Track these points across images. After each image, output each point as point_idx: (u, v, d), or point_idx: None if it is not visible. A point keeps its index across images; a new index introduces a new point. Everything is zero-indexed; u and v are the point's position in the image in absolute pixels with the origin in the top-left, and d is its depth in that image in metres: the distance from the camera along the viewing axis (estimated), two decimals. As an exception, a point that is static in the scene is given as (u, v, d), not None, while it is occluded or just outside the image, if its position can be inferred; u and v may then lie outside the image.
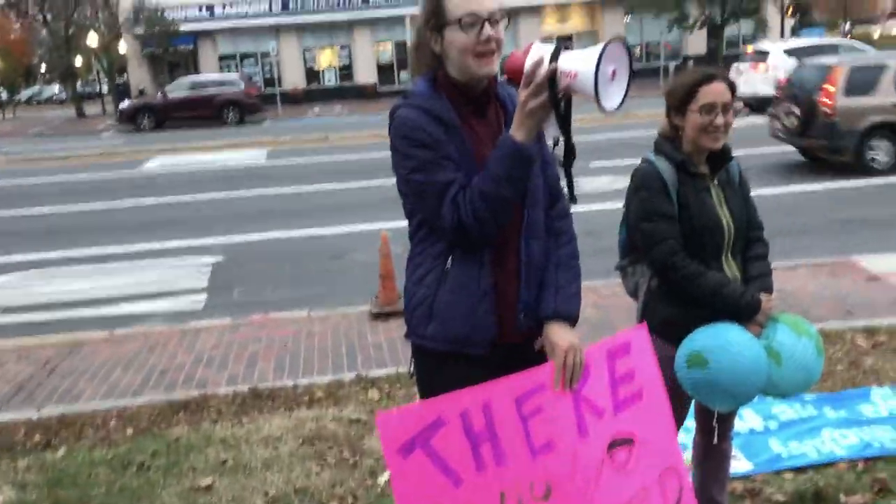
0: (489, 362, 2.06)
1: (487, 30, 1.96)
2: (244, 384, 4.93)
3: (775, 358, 2.36)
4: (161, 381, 5.16)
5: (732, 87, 2.47)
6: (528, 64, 1.84)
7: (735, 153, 2.61)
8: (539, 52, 1.84)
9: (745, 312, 2.43)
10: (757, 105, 19.48)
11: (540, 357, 2.12)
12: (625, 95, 1.83)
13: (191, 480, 3.69)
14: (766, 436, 3.70)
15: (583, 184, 10.90)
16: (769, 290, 2.52)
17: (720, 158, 2.53)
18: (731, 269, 2.54)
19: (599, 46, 1.76)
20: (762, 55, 19.42)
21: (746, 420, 3.85)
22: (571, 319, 2.13)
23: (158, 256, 8.92)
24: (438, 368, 2.11)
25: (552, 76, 1.81)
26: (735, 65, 20.73)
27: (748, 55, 20.47)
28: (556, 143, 1.97)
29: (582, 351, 2.09)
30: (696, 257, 2.46)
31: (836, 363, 4.59)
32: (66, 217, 12.03)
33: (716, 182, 2.54)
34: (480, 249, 2.03)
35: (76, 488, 3.70)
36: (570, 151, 1.95)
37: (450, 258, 2.04)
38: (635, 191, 2.51)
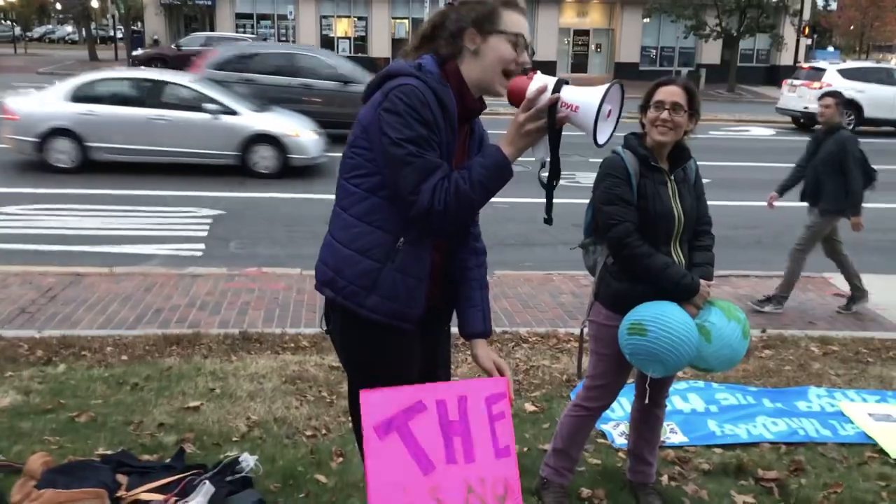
0: (413, 335, 2.25)
1: (525, 55, 2.11)
2: (234, 328, 5.24)
3: (706, 335, 2.71)
4: (156, 318, 5.46)
5: (691, 93, 2.80)
6: (532, 89, 1.98)
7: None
8: (543, 81, 2.01)
9: (685, 293, 2.76)
10: (806, 122, 19.79)
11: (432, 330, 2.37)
12: (613, 132, 2.05)
13: (180, 402, 4.03)
14: (705, 416, 4.05)
15: (579, 178, 11.22)
16: (709, 277, 2.86)
17: (679, 157, 2.88)
18: (678, 254, 2.87)
19: (603, 87, 1.96)
20: (818, 72, 19.73)
21: (691, 402, 4.20)
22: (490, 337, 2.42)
23: (162, 204, 9.21)
24: (371, 336, 2.21)
25: (553, 104, 1.96)
26: (789, 80, 20.97)
27: (803, 70, 20.71)
28: (542, 166, 2.11)
29: None
30: (648, 241, 2.78)
31: (786, 364, 4.93)
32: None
33: (672, 178, 2.87)
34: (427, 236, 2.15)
35: (76, 398, 4.02)
36: (555, 174, 2.11)
37: (401, 238, 2.12)
38: (602, 178, 2.85)
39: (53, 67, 32.27)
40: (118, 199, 9.32)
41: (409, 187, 2.03)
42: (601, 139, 1.99)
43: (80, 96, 11.03)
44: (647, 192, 2.78)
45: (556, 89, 1.98)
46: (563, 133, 2.06)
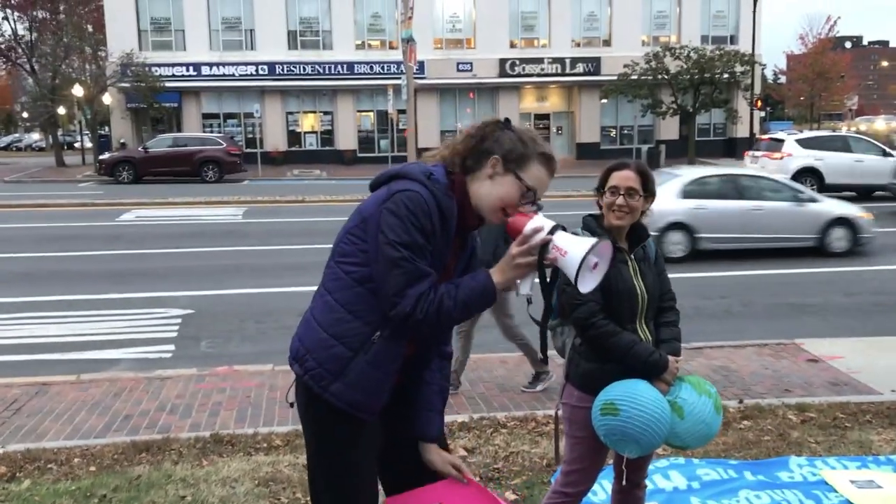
0: (373, 425, 2.29)
1: (529, 209, 2.20)
2: (206, 431, 5.12)
3: (678, 412, 2.70)
4: (125, 424, 5.32)
5: (644, 176, 2.86)
6: (529, 227, 2.09)
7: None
8: (540, 223, 2.11)
9: (654, 370, 2.77)
10: None
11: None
12: (597, 285, 2.16)
13: (150, 513, 3.89)
14: (688, 494, 3.99)
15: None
16: (677, 353, 2.87)
17: (637, 237, 2.93)
18: (644, 332, 2.88)
19: (593, 240, 2.08)
20: (777, 143, 20.40)
21: (673, 480, 4.15)
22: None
23: (129, 307, 9.10)
24: (330, 421, 2.24)
25: (544, 245, 2.07)
26: (750, 152, 21.63)
27: (763, 142, 21.37)
28: (529, 302, 2.25)
29: None
30: (613, 320, 2.80)
31: (765, 434, 4.90)
32: (40, 262, 12.18)
33: (633, 257, 2.91)
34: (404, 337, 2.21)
35: (39, 516, 3.87)
36: (548, 313, 2.21)
37: (378, 332, 2.17)
38: (563, 260, 2.88)
39: (20, 175, 32.36)
40: (84, 305, 9.21)
41: (394, 289, 2.08)
42: (583, 288, 2.11)
43: (689, 193, 12.21)
44: (608, 272, 2.78)
45: (551, 232, 2.08)
46: (556, 278, 2.19)
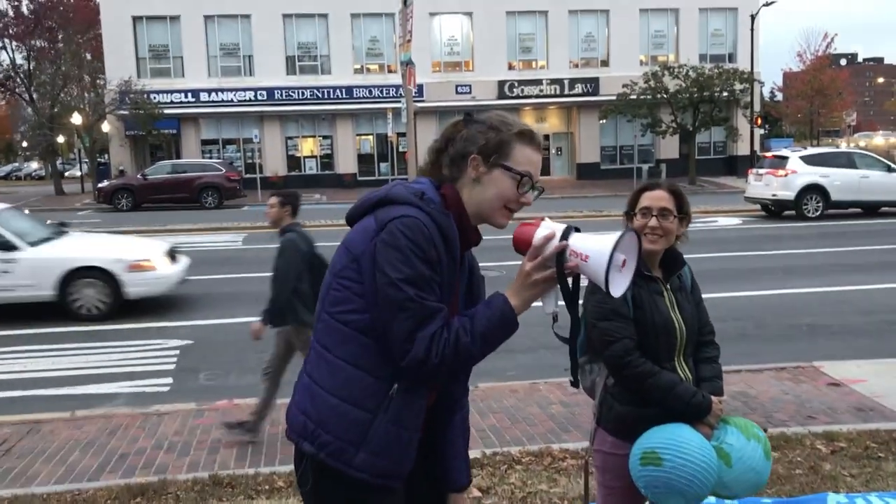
0: (400, 492, 2.01)
1: (530, 195, 1.96)
2: (205, 471, 4.87)
3: (725, 459, 2.44)
4: (120, 465, 5.08)
5: (678, 196, 2.63)
6: (539, 237, 1.84)
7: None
8: (550, 228, 1.85)
9: (697, 413, 2.51)
10: (776, 209, 20.14)
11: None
12: (630, 284, 1.88)
13: (143, 568, 3.62)
14: (724, 537, 3.72)
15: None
16: (719, 392, 2.62)
17: (673, 264, 2.68)
18: (683, 370, 2.63)
19: (616, 235, 1.80)
20: (781, 160, 20.20)
21: (705, 522, 3.88)
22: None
23: (126, 338, 8.85)
24: (357, 499, 1.95)
25: (560, 253, 1.82)
26: (754, 169, 21.41)
27: (767, 159, 21.23)
28: (555, 320, 1.90)
29: None
30: (649, 357, 2.55)
31: (796, 467, 4.65)
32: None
33: (668, 287, 2.67)
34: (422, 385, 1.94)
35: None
36: (576, 327, 1.92)
37: (395, 385, 1.89)
38: (593, 291, 2.62)
39: (19, 204, 32.13)
40: (79, 336, 8.95)
41: (403, 334, 1.80)
42: (616, 292, 1.82)
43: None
44: (643, 304, 2.55)
45: (564, 237, 1.81)
46: (579, 284, 1.88)
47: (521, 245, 1.87)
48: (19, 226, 10.44)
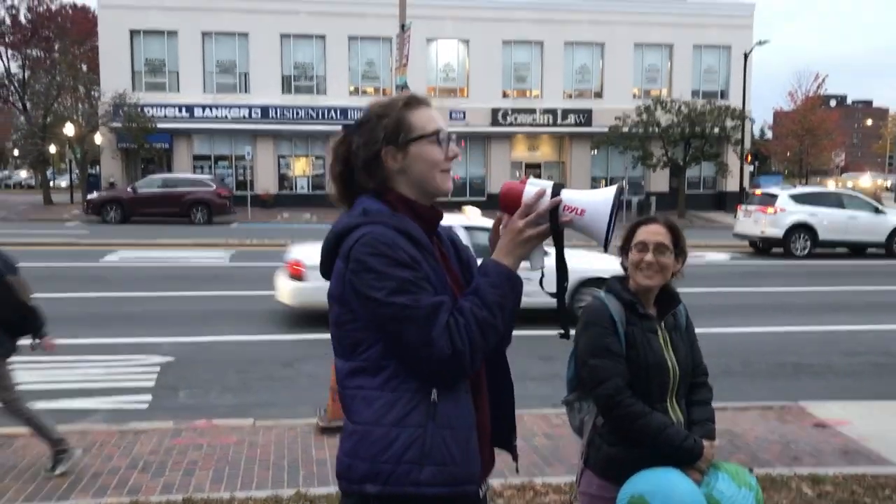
0: (478, 498, 1.96)
1: (454, 146, 1.95)
2: (178, 493, 4.76)
3: (715, 506, 2.38)
4: (92, 484, 4.96)
5: (674, 231, 2.59)
6: (530, 193, 1.85)
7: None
8: (539, 185, 1.87)
9: (687, 457, 2.45)
10: (764, 246, 20.21)
11: None
12: (613, 237, 1.90)
13: None
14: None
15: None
16: (712, 436, 2.55)
17: (668, 302, 2.63)
18: (675, 412, 2.57)
19: (612, 189, 1.83)
20: (771, 198, 20.32)
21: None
22: None
23: (107, 352, 8.71)
24: None
25: (554, 208, 1.84)
26: (743, 206, 21.53)
27: (756, 196, 21.35)
28: (543, 276, 1.92)
29: None
30: (641, 398, 2.49)
31: (781, 511, 4.58)
32: (17, 304, 11.76)
33: (663, 325, 2.61)
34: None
35: None
36: (564, 277, 1.92)
37: (434, 390, 1.84)
38: (584, 327, 2.57)
39: (6, 213, 31.95)
40: (58, 349, 8.79)
41: (418, 342, 1.77)
42: (610, 245, 1.87)
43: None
44: (636, 342, 2.49)
45: (556, 192, 1.83)
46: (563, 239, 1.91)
47: (510, 202, 1.88)
48: None
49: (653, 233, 2.56)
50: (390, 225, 1.84)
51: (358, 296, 1.82)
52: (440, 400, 1.84)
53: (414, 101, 1.96)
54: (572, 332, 2.29)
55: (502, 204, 1.89)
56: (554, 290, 1.96)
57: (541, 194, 1.84)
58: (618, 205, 1.88)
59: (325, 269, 1.95)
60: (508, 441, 2.14)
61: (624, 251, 2.63)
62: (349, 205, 1.98)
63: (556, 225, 1.84)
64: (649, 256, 2.53)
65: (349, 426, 1.92)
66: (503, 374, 2.10)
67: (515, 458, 2.15)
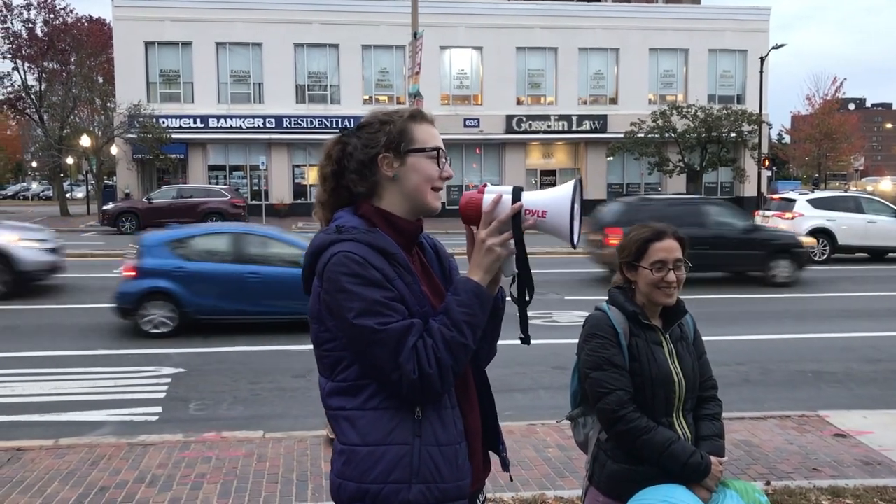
0: None
1: (449, 168, 1.96)
2: (185, 508, 4.70)
3: (723, 526, 2.28)
4: (99, 498, 4.91)
5: (683, 242, 2.49)
6: (488, 202, 1.81)
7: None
8: (497, 191, 1.83)
9: (694, 474, 2.35)
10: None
11: None
12: (580, 232, 1.87)
13: None
14: None
15: (556, 317, 10.92)
16: (720, 452, 2.45)
17: (674, 313, 2.53)
18: (681, 427, 2.47)
19: (569, 185, 1.79)
20: (789, 203, 20.13)
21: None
22: None
23: (118, 364, 8.71)
24: None
25: (517, 214, 1.79)
26: (760, 211, 21.34)
27: (774, 201, 21.13)
28: (513, 281, 1.90)
29: None
30: (645, 412, 2.40)
31: (800, 525, 4.46)
32: (27, 315, 11.83)
33: (668, 336, 2.52)
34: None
35: None
36: (530, 289, 1.90)
37: (417, 408, 1.84)
38: (587, 339, 2.49)
39: (24, 224, 32.19)
40: (70, 361, 8.81)
41: (387, 366, 1.77)
42: (576, 240, 1.81)
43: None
44: (639, 354, 2.40)
45: (516, 197, 1.78)
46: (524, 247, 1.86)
47: (470, 212, 1.84)
48: None
49: (670, 249, 2.46)
50: (364, 241, 1.83)
51: (332, 314, 1.82)
52: (424, 416, 1.83)
53: (419, 116, 1.96)
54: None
55: (464, 218, 1.86)
56: (525, 296, 1.94)
57: (497, 200, 1.80)
58: (579, 199, 1.85)
59: (307, 287, 1.94)
60: (494, 447, 2.11)
61: (632, 268, 2.51)
62: (329, 211, 1.99)
63: (518, 231, 1.80)
64: (671, 276, 2.43)
65: (338, 446, 1.91)
66: (482, 384, 2.08)
67: (505, 467, 2.14)
